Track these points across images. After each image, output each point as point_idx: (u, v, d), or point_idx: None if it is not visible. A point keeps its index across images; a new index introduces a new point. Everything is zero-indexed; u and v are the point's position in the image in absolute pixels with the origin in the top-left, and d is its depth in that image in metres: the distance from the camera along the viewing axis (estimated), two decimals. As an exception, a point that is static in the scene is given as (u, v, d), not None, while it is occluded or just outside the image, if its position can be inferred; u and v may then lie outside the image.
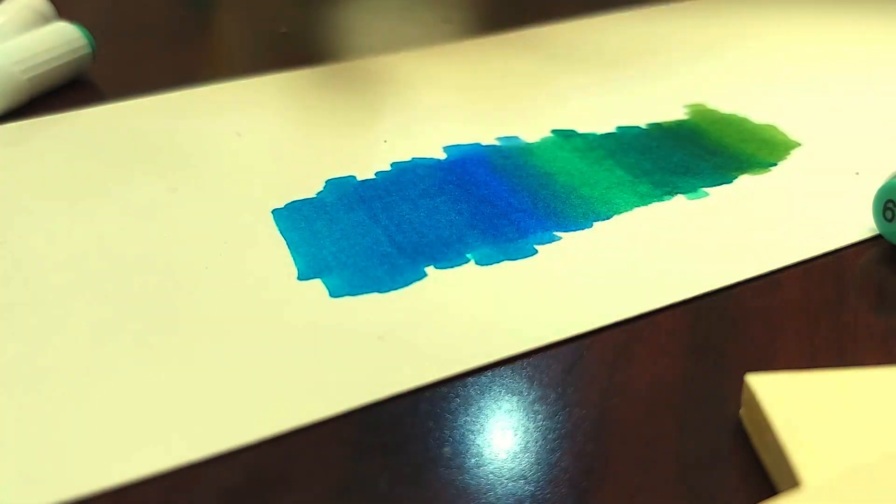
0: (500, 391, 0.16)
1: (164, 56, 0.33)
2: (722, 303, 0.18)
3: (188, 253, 0.20)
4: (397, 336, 0.17)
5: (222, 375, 0.16)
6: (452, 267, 0.19)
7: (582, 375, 0.17)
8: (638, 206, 0.22)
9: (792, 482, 0.13)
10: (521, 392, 0.16)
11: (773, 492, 0.14)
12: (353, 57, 0.31)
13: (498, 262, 0.19)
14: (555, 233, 0.20)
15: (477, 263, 0.19)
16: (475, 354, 0.17)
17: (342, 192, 0.22)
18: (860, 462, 0.13)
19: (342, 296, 0.18)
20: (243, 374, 0.16)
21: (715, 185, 0.22)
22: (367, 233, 0.20)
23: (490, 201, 0.22)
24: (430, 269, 0.19)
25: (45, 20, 0.30)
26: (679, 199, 0.22)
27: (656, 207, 0.21)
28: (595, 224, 0.21)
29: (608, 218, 0.21)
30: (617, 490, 0.14)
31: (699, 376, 0.17)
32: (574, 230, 0.21)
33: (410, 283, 0.19)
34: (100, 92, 0.29)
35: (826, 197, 0.22)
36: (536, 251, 0.20)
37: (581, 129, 0.25)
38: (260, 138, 0.25)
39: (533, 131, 0.25)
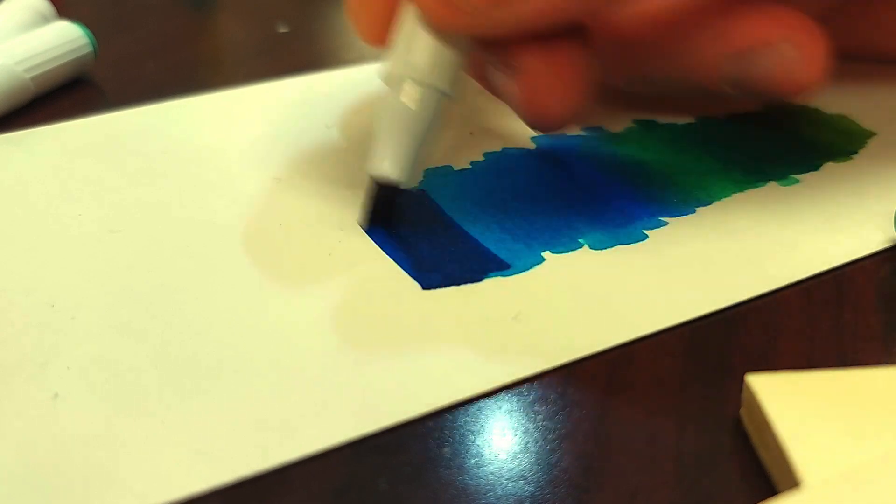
0: (500, 391, 0.16)
1: (165, 55, 0.33)
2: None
3: (295, 252, 0.20)
4: (531, 318, 0.18)
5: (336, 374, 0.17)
6: (568, 252, 0.20)
7: (582, 375, 0.17)
8: (735, 192, 0.22)
9: (792, 482, 0.13)
10: (521, 392, 0.16)
11: (773, 492, 0.14)
12: (371, 56, 0.31)
13: (611, 247, 0.20)
14: (661, 218, 0.21)
15: (591, 248, 0.20)
16: (604, 337, 0.17)
17: (443, 181, 0.22)
18: (860, 462, 0.13)
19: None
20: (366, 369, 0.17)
21: (803, 172, 0.23)
22: (477, 220, 0.21)
23: (590, 189, 0.22)
24: (547, 254, 0.20)
25: (44, 20, 0.30)
26: (772, 186, 0.22)
27: (752, 193, 0.22)
28: (698, 209, 0.21)
29: (709, 204, 0.22)
30: (617, 490, 0.14)
31: (699, 376, 0.17)
32: (679, 216, 0.21)
33: (530, 267, 0.19)
34: (101, 91, 0.29)
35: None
36: (647, 236, 0.20)
37: (662, 121, 0.25)
38: (348, 131, 0.25)
39: (615, 122, 0.25)
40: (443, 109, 0.20)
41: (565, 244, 0.20)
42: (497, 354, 0.17)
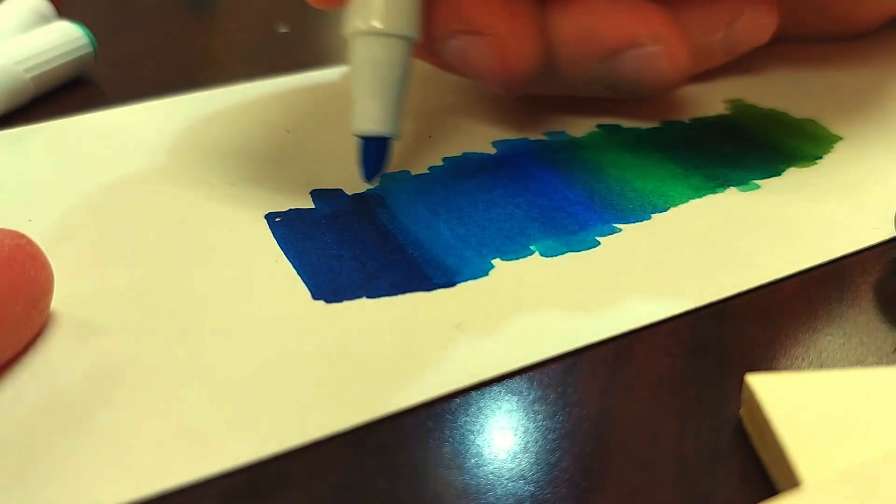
0: (500, 391, 0.16)
1: (165, 55, 0.33)
2: (722, 302, 0.18)
3: (254, 242, 0.20)
4: (474, 327, 0.18)
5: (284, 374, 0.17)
6: (518, 259, 0.19)
7: (582, 375, 0.17)
8: (693, 198, 0.22)
9: (792, 482, 0.13)
10: (521, 392, 0.16)
11: (773, 492, 0.14)
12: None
13: (562, 254, 0.20)
14: (615, 224, 0.21)
15: (541, 255, 0.20)
16: (554, 345, 0.17)
17: (400, 186, 0.22)
18: (860, 462, 0.13)
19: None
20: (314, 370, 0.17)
21: (765, 178, 0.23)
22: (430, 226, 0.21)
23: (546, 194, 0.22)
24: (496, 262, 0.19)
25: (44, 20, 0.30)
26: (732, 192, 0.22)
27: (711, 199, 0.22)
28: (653, 216, 0.21)
29: (665, 210, 0.21)
30: (617, 490, 0.14)
31: (699, 376, 0.17)
32: (633, 222, 0.21)
33: (478, 275, 0.19)
34: (101, 91, 0.29)
35: (865, 193, 0.22)
36: (599, 243, 0.20)
37: (626, 125, 0.25)
38: (307, 135, 0.25)
39: (579, 127, 0.25)
40: (410, 51, 0.21)
41: (516, 251, 0.20)
42: (435, 364, 0.17)
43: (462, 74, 0.24)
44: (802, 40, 0.30)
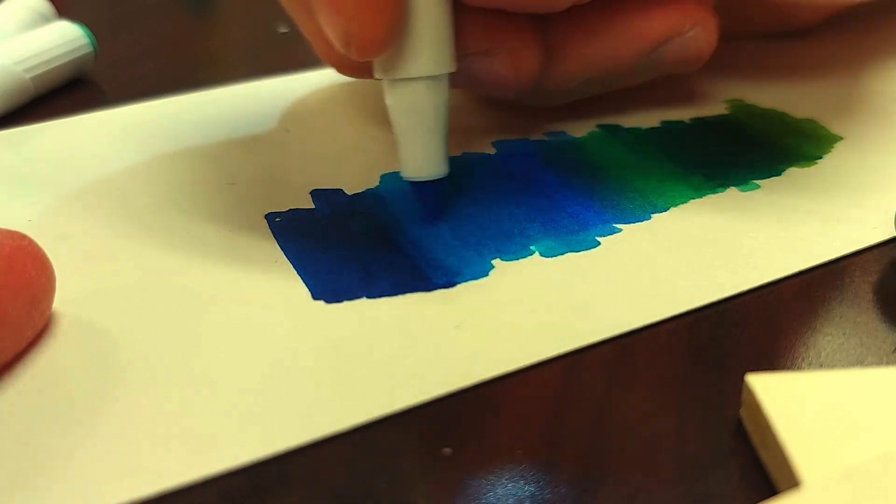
0: (501, 391, 0.16)
1: (165, 55, 0.33)
2: (722, 302, 0.18)
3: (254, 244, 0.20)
4: (474, 327, 0.17)
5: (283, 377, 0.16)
6: (518, 259, 0.19)
7: (582, 375, 0.17)
8: (693, 198, 0.22)
9: (792, 482, 0.13)
10: (521, 392, 0.16)
11: (773, 492, 0.14)
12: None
13: (562, 254, 0.20)
14: (615, 225, 0.21)
15: (542, 255, 0.20)
16: (554, 345, 0.17)
17: (399, 186, 0.22)
18: (860, 462, 0.13)
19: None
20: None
21: (765, 178, 0.23)
22: (429, 226, 0.21)
23: (546, 194, 0.22)
24: (497, 262, 0.19)
25: (44, 20, 0.30)
26: (732, 192, 0.22)
27: (711, 199, 0.22)
28: (653, 216, 0.21)
29: (665, 210, 0.21)
30: (617, 490, 0.14)
31: (699, 376, 0.17)
32: (633, 222, 0.21)
33: (479, 275, 0.19)
34: (101, 91, 0.29)
35: (863, 194, 0.22)
36: (599, 243, 0.20)
37: (626, 125, 0.25)
38: (307, 135, 0.25)
39: (579, 127, 0.25)
40: (448, 84, 0.20)
41: (516, 251, 0.20)
42: (436, 364, 0.17)
43: (472, 90, 0.24)
44: (745, 37, 0.31)
